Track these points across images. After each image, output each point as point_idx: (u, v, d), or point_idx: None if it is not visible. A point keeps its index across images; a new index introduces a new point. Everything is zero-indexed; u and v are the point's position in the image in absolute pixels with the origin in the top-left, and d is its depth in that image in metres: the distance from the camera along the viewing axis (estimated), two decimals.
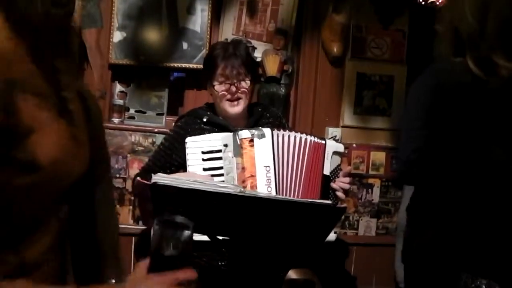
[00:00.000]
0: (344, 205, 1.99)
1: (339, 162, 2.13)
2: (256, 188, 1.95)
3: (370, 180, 3.29)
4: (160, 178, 1.47)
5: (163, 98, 3.12)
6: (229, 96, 2.21)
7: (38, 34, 0.86)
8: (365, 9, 3.23)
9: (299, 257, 2.03)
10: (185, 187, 1.47)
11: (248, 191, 1.67)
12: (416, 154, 1.65)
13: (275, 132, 2.04)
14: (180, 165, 2.18)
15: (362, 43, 3.24)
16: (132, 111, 3.09)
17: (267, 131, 2.03)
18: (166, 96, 3.13)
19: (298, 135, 2.07)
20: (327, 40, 3.15)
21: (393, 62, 3.22)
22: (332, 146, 2.10)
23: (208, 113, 2.27)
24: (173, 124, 2.47)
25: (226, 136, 2.05)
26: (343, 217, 3.22)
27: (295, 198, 1.99)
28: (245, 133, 2.03)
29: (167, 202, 1.52)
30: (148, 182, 1.48)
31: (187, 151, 2.08)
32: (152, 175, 1.58)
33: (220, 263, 2.11)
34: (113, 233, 1.12)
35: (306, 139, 2.06)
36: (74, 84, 0.96)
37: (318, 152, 2.06)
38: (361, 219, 3.30)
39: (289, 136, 2.05)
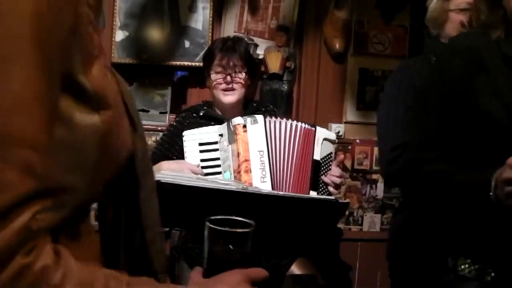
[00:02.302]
0: (347, 200, 2.01)
1: (331, 150, 2.18)
2: (251, 172, 2.00)
3: (374, 176, 3.29)
4: (163, 175, 1.48)
5: (166, 96, 3.13)
6: (224, 85, 2.27)
7: None
8: (367, 4, 3.22)
9: (302, 252, 2.04)
10: (188, 184, 1.49)
11: (251, 188, 1.68)
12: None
13: (267, 118, 2.10)
14: (178, 159, 2.22)
15: (364, 39, 3.24)
16: None
17: (259, 117, 2.09)
18: (169, 94, 3.13)
19: (289, 122, 2.12)
20: (329, 36, 3.15)
21: (395, 57, 3.22)
22: (322, 132, 2.16)
23: (205, 108, 2.31)
24: (174, 119, 2.51)
25: (221, 127, 2.12)
26: (347, 212, 3.23)
27: (289, 182, 2.05)
28: (238, 119, 2.08)
29: (171, 199, 1.53)
30: None
31: (184, 143, 2.14)
32: (156, 173, 1.60)
33: None
34: (162, 239, 0.89)
35: (296, 125, 2.12)
36: (102, 45, 0.79)
37: (308, 138, 2.11)
38: (366, 215, 3.30)
39: (280, 123, 2.10)
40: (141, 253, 0.82)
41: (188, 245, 2.21)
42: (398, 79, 2.14)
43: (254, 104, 2.44)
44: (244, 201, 1.53)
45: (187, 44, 3.05)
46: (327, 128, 3.15)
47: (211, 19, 3.05)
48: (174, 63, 3.05)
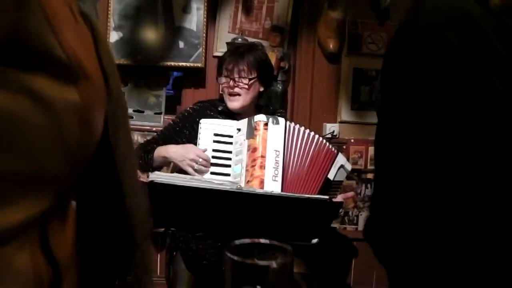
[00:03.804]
0: (339, 198, 2.02)
1: (343, 179, 2.22)
2: (265, 168, 2.03)
3: (369, 175, 3.30)
4: (157, 176, 1.48)
5: (161, 97, 3.13)
6: (228, 90, 2.30)
7: None
8: (361, 4, 3.23)
9: (296, 251, 2.05)
10: (182, 184, 1.49)
11: (246, 188, 1.68)
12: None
13: (288, 122, 2.15)
14: (185, 143, 2.27)
15: (358, 39, 3.25)
16: (130, 110, 3.10)
17: (281, 119, 2.14)
18: (164, 95, 3.14)
19: (307, 130, 2.16)
20: (323, 36, 3.16)
21: None
22: (342, 159, 2.20)
23: (224, 104, 2.37)
24: (190, 106, 2.52)
25: (240, 122, 2.18)
26: (342, 212, 3.23)
27: (298, 187, 2.08)
28: (261, 117, 2.14)
29: (165, 200, 1.53)
30: (145, 181, 1.50)
31: (200, 130, 2.20)
32: (150, 173, 1.61)
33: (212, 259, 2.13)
34: (143, 203, 0.76)
35: (314, 135, 2.15)
36: None
37: (328, 156, 2.15)
38: (361, 214, 3.31)
39: (299, 130, 2.15)
40: (120, 222, 0.72)
41: (183, 245, 2.21)
42: None
43: (271, 107, 2.50)
44: (239, 201, 1.54)
45: (181, 44, 3.05)
46: (321, 129, 3.19)
47: (205, 19, 3.05)
48: (168, 63, 3.05)
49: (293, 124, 2.16)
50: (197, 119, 2.25)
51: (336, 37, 3.15)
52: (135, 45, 3.02)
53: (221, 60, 2.41)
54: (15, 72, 0.49)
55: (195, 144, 2.21)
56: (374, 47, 3.26)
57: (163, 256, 2.84)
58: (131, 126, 2.85)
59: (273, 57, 3.08)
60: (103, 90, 0.64)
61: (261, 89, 2.38)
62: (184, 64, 3.05)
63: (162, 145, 2.26)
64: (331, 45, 3.15)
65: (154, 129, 3.05)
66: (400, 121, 0.93)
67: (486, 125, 0.89)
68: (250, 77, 2.29)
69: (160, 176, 1.48)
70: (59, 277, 0.56)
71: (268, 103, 3.05)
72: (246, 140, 2.11)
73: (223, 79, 2.33)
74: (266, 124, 2.11)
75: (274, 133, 2.10)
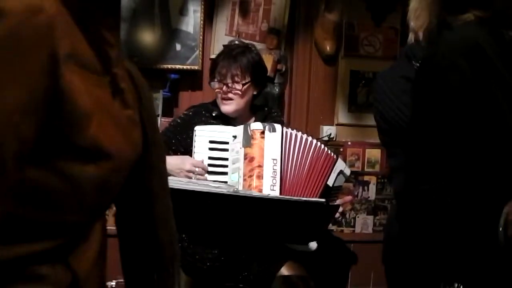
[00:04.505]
0: (337, 202, 2.01)
1: (342, 185, 2.21)
2: (263, 178, 2.01)
3: (366, 177, 3.30)
4: None
5: (158, 99, 3.12)
6: (222, 95, 2.26)
7: None
8: (357, 6, 3.24)
9: (293, 255, 2.04)
10: (179, 187, 1.49)
11: (242, 191, 1.68)
12: None
13: (285, 129, 2.12)
14: (179, 150, 2.24)
15: (354, 41, 3.25)
16: None
17: (278, 126, 2.11)
18: (161, 97, 3.13)
19: (305, 136, 2.14)
20: (320, 38, 3.16)
21: (386, 59, 3.22)
22: (341, 164, 2.19)
23: (218, 108, 2.33)
24: (183, 112, 2.48)
25: (237, 129, 2.14)
26: (340, 218, 3.23)
27: (296, 194, 2.04)
28: (257, 125, 2.11)
29: None
30: None
31: (194, 138, 2.16)
32: None
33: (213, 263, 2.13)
34: (173, 233, 0.93)
35: (312, 141, 2.13)
36: (123, 59, 0.83)
37: (328, 162, 2.13)
38: (358, 216, 3.31)
39: (296, 136, 2.12)
40: (152, 243, 0.90)
41: (181, 247, 2.21)
42: None
43: (266, 108, 2.46)
44: (235, 204, 1.54)
45: (178, 47, 3.05)
46: (318, 131, 3.19)
47: (202, 22, 3.05)
48: (165, 66, 3.05)
49: (290, 130, 2.13)
50: (191, 126, 2.21)
51: (333, 39, 3.16)
52: (132, 47, 3.01)
53: (214, 63, 2.36)
54: (51, 159, 0.67)
55: (191, 151, 2.17)
56: (371, 49, 3.27)
57: None
58: None
59: (270, 60, 3.08)
60: (136, 132, 0.82)
61: (255, 92, 2.35)
62: (181, 66, 3.05)
63: None
64: (328, 47, 3.15)
65: None
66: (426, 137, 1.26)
67: (493, 136, 1.13)
68: (244, 82, 2.25)
69: None
70: (78, 283, 0.74)
71: (264, 104, 3.04)
72: (243, 148, 2.07)
73: (216, 84, 2.28)
74: (262, 133, 2.07)
75: (271, 142, 2.07)
